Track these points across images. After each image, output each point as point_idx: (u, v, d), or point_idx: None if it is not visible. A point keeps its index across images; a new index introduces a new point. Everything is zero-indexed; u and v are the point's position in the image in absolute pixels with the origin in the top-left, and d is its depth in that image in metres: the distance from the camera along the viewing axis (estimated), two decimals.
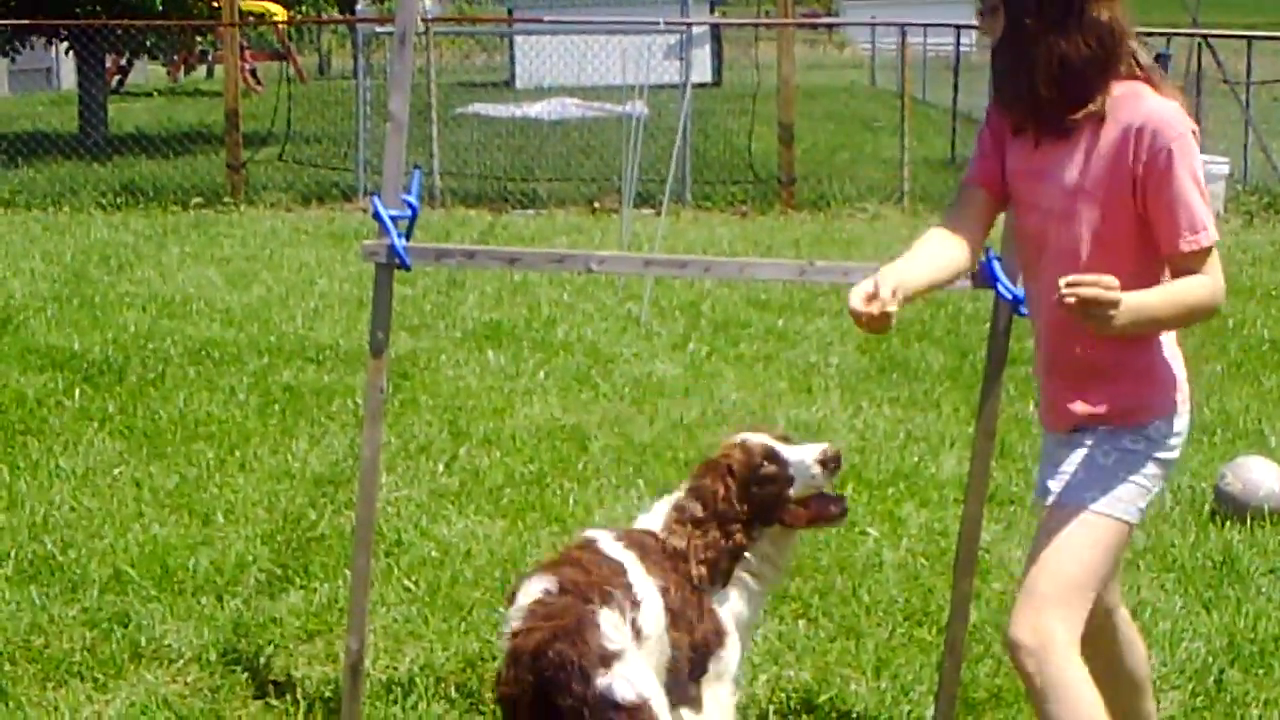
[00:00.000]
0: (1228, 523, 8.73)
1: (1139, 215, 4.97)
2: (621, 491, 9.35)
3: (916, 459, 9.99)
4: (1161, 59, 26.32)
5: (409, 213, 6.30)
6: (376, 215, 6.27)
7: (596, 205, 22.40)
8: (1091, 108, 4.96)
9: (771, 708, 6.59)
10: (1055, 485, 5.18)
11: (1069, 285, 4.59)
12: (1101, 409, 5.09)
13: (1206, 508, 8.94)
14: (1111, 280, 4.62)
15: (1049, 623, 4.95)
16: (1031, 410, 10.58)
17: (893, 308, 4.85)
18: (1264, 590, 7.87)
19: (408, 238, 6.30)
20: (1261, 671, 6.95)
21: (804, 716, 6.51)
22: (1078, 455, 5.15)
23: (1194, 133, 4.96)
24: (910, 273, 5.12)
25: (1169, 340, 5.14)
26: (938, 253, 5.34)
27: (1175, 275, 4.96)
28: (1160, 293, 4.88)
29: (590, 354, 12.79)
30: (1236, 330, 13.70)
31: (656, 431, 10.57)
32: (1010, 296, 5.88)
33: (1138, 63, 5.03)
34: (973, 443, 6.29)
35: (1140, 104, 4.94)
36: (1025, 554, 7.90)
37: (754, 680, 6.83)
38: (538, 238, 19.49)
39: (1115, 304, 4.61)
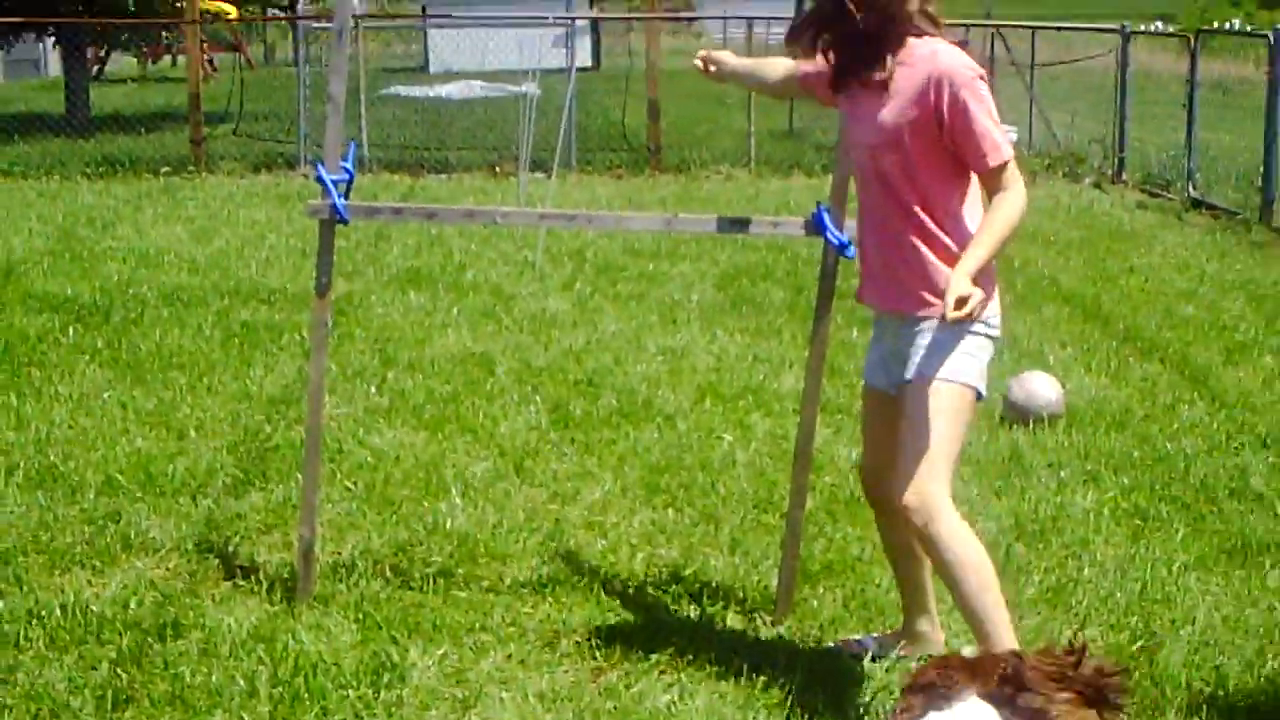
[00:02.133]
0: (1014, 426, 8.88)
1: (945, 146, 5.14)
2: (523, 407, 9.40)
3: (762, 377, 10.08)
4: (961, 45, 26.51)
5: (346, 177, 6.36)
6: (320, 179, 6.32)
7: (497, 170, 22.33)
8: (892, 65, 5.15)
9: (648, 580, 6.70)
10: (909, 370, 5.30)
11: (956, 316, 4.83)
12: (935, 302, 5.15)
13: (997, 414, 9.07)
14: (966, 291, 4.84)
15: (927, 486, 5.18)
16: (855, 335, 10.75)
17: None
18: (1043, 480, 8.03)
19: (345, 198, 6.36)
20: (1041, 545, 7.12)
21: (673, 586, 6.60)
22: (921, 340, 5.28)
23: (981, 76, 5.17)
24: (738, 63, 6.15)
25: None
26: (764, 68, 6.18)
27: (986, 190, 5.18)
28: (986, 235, 5.05)
29: (494, 294, 12.79)
30: (1021, 269, 13.84)
31: (550, 357, 10.61)
32: (837, 242, 6.00)
33: (933, 23, 5.22)
34: (808, 363, 6.40)
35: (938, 59, 5.12)
36: (852, 454, 8.10)
37: (633, 558, 6.95)
38: (450, 198, 19.43)
39: (982, 295, 4.91)
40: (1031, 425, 8.90)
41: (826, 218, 6.04)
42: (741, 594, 6.58)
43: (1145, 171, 21.05)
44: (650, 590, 6.63)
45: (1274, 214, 16.79)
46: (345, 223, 6.40)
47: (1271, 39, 17.38)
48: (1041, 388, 9.12)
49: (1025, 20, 30.60)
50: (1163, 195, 19.46)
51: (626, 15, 37.51)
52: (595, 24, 47.48)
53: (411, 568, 6.84)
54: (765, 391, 9.74)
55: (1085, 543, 7.17)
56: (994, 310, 5.31)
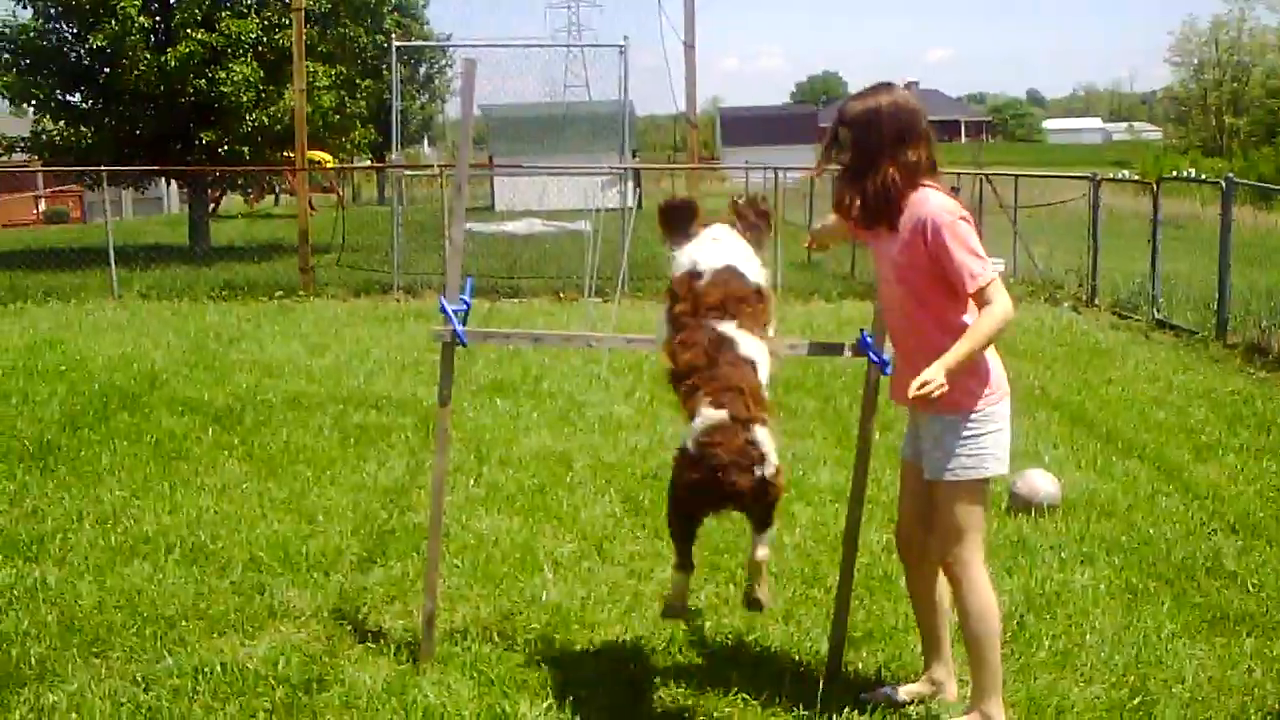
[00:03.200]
0: (1019, 515, 8.96)
1: (939, 274, 5.46)
2: (599, 497, 9.50)
3: (801, 472, 10.11)
4: (955, 191, 26.75)
5: (465, 308, 6.50)
6: (443, 309, 6.46)
7: (560, 295, 22.57)
8: (899, 216, 5.54)
9: (716, 644, 6.79)
10: (928, 470, 5.76)
11: (915, 394, 5.29)
12: (949, 403, 5.53)
13: (1004, 504, 9.14)
14: (931, 377, 5.28)
15: (959, 555, 5.81)
16: (878, 437, 10.80)
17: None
18: (1046, 561, 8.09)
19: (464, 324, 6.50)
20: (1048, 616, 7.19)
21: (738, 651, 6.69)
22: (935, 437, 5.69)
23: (963, 217, 5.51)
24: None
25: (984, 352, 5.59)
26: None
27: (977, 305, 5.46)
28: (966, 340, 5.38)
29: (568, 401, 12.90)
30: (1014, 382, 13.86)
31: (619, 455, 10.71)
32: (878, 360, 6.15)
33: (934, 175, 5.62)
34: (854, 464, 6.50)
35: (926, 205, 5.49)
36: (882, 538, 8.18)
37: (702, 626, 7.03)
38: (523, 318, 19.60)
39: (941, 383, 5.27)
40: (1034, 514, 8.97)
41: (870, 341, 6.19)
42: (796, 656, 6.67)
43: (1115, 296, 21.13)
44: (718, 653, 6.71)
45: (1228, 333, 16.86)
46: (464, 345, 6.54)
47: (1224, 185, 17.54)
48: (1041, 482, 9.21)
49: (1009, 170, 30.84)
50: (1131, 317, 19.53)
51: (670, 165, 37.81)
52: (637, 172, 47.96)
53: (515, 633, 6.93)
54: (805, 485, 9.79)
55: (1085, 614, 7.24)
56: (991, 405, 5.68)
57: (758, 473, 5.41)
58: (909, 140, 5.52)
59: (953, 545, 5.74)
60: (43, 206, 55.35)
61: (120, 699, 6.15)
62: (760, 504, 5.51)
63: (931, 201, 5.47)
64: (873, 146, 5.51)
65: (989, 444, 5.65)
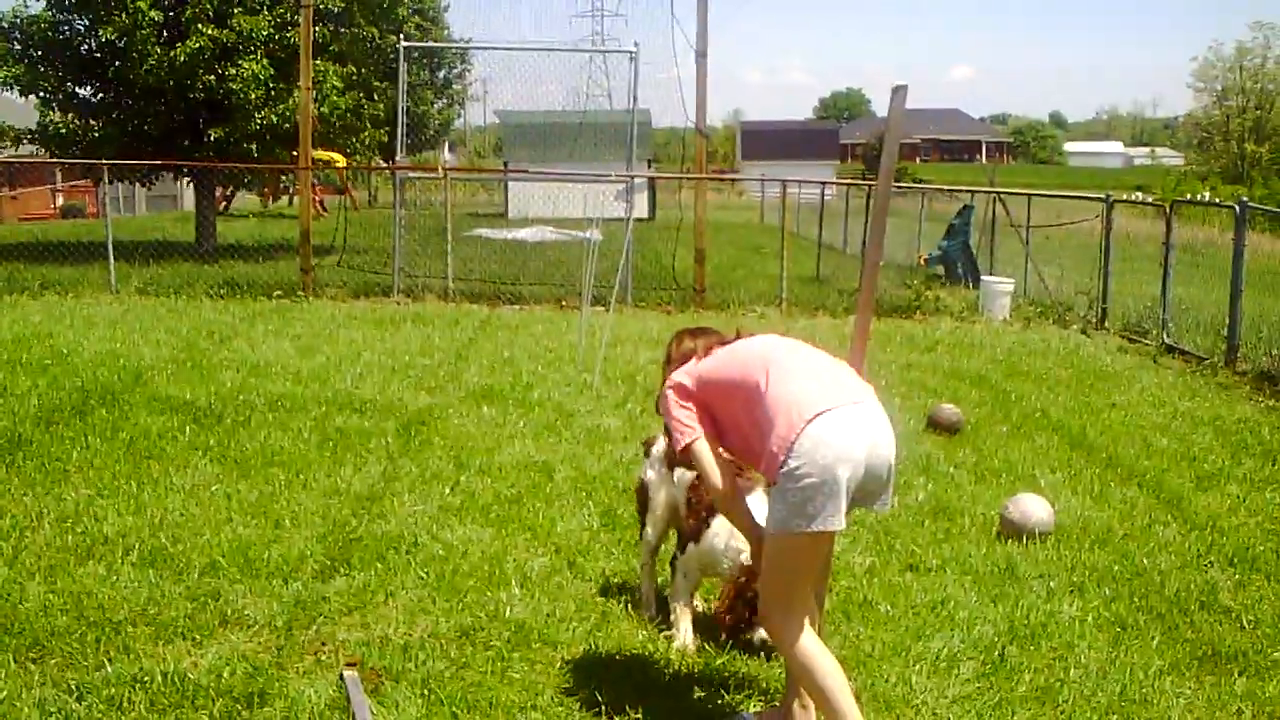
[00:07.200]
0: (1010, 541, 8.67)
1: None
2: (578, 509, 9.21)
3: None
4: (966, 209, 26.52)
5: None
6: None
7: (563, 304, 22.30)
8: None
9: (683, 669, 6.49)
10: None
11: None
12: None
13: (994, 530, 8.88)
14: None
15: (767, 613, 5.62)
16: None
17: None
18: (1034, 589, 7.80)
19: None
20: (1031, 648, 6.89)
21: (706, 674, 6.40)
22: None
23: (674, 386, 6.24)
24: None
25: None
26: None
27: None
28: None
29: (556, 410, 12.62)
30: (1017, 402, 13.66)
31: (603, 467, 10.41)
32: None
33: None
34: None
35: None
36: (865, 561, 7.90)
37: (669, 648, 6.73)
38: (521, 326, 19.33)
39: None
40: (1025, 540, 8.68)
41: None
42: (765, 684, 6.39)
43: (1125, 320, 20.85)
44: (684, 677, 6.42)
45: (1238, 360, 16.55)
46: None
47: (1237, 209, 17.25)
48: (1034, 508, 8.91)
49: (1022, 189, 30.61)
50: (1140, 341, 19.23)
51: (679, 175, 37.64)
52: (651, 181, 47.73)
53: (473, 650, 6.65)
54: None
55: (1071, 647, 6.95)
56: (790, 466, 5.30)
57: None
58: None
59: (764, 604, 5.71)
60: (60, 201, 55.37)
61: (50, 708, 5.89)
62: None
63: None
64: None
65: (797, 497, 5.44)
